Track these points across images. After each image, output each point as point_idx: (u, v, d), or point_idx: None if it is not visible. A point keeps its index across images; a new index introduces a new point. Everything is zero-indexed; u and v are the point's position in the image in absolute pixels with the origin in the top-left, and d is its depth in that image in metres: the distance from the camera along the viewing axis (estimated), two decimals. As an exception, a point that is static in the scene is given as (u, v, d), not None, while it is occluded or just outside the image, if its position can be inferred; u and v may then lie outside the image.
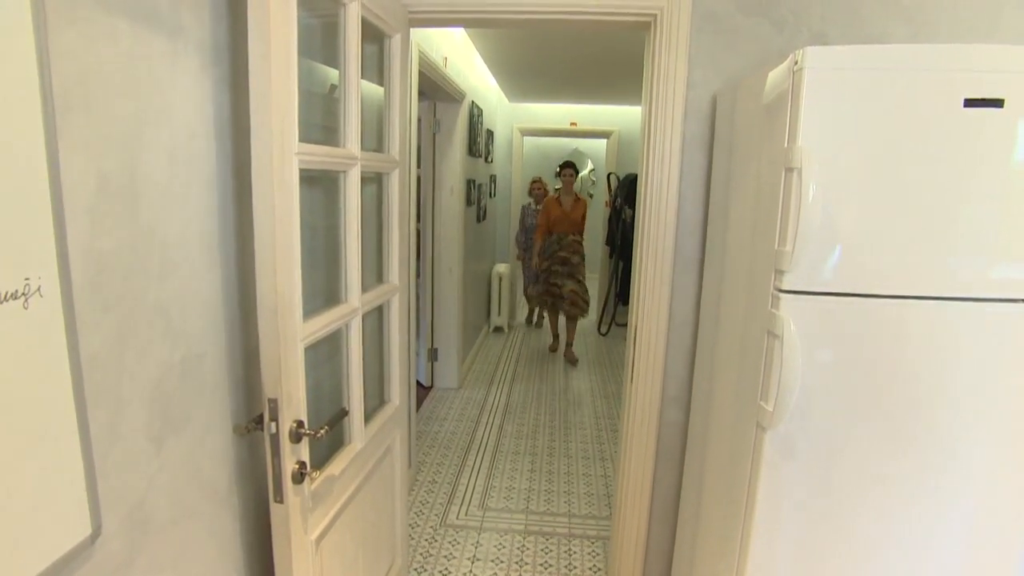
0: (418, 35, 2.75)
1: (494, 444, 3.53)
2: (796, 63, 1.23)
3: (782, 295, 1.26)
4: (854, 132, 1.24)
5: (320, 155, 1.38)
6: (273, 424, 1.23)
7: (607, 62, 4.11)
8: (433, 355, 4.24)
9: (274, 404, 1.22)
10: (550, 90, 5.55)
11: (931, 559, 1.41)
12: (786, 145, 1.25)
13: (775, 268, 1.28)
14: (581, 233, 5.10)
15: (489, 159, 5.25)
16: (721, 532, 1.58)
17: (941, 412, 1.33)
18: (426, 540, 2.59)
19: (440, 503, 2.89)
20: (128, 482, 1.05)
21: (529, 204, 5.76)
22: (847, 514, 1.38)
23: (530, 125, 6.42)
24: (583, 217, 5.11)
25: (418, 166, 3.92)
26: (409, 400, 2.78)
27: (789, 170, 1.24)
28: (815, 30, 1.79)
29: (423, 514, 2.79)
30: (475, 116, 4.43)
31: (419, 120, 3.80)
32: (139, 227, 1.05)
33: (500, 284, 5.70)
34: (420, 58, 2.81)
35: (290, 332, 1.24)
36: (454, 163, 4.04)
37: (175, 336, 1.16)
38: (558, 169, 5.28)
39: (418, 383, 4.22)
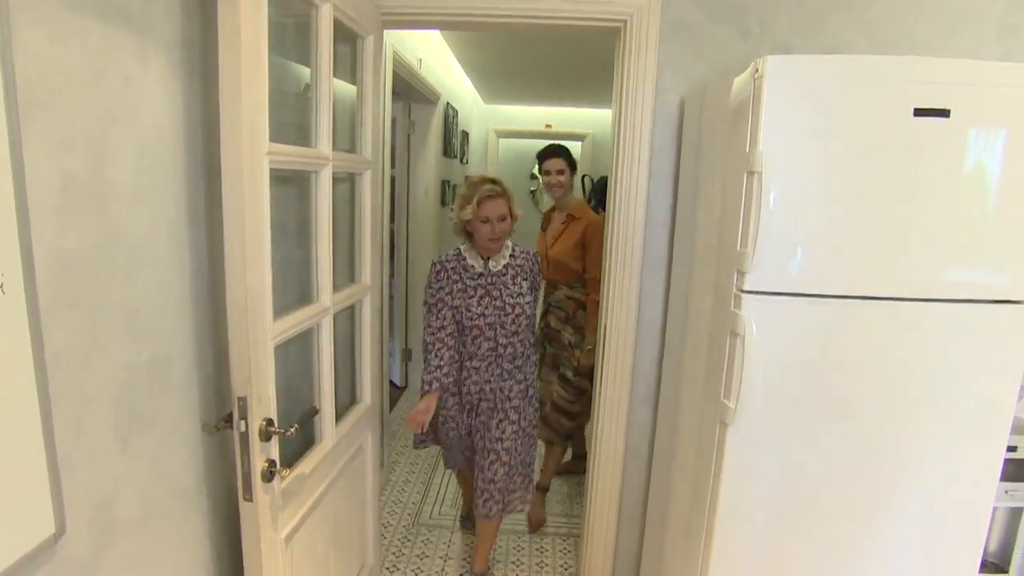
0: (393, 36, 2.75)
1: (468, 444, 3.54)
2: (757, 71, 1.27)
3: (743, 295, 1.31)
4: (813, 138, 1.29)
5: (291, 155, 1.38)
6: (242, 422, 1.23)
7: (582, 65, 4.15)
8: (407, 355, 4.24)
9: (243, 402, 1.22)
10: (525, 92, 5.57)
11: (893, 550, 1.46)
12: (747, 150, 1.30)
13: (737, 269, 1.32)
14: (583, 281, 2.66)
15: (465, 160, 5.26)
16: (687, 528, 1.62)
17: (899, 408, 1.38)
18: (399, 539, 2.59)
19: (413, 502, 2.90)
20: (94, 481, 1.05)
21: (442, 261, 2.13)
22: (809, 508, 1.43)
23: (506, 127, 6.44)
24: (584, 246, 2.63)
25: (392, 166, 3.93)
26: (382, 400, 2.78)
27: (750, 174, 1.28)
28: (780, 39, 1.84)
29: (396, 513, 2.79)
30: (450, 117, 4.44)
31: (394, 121, 3.81)
32: (106, 226, 1.05)
33: (475, 285, 5.70)
34: (395, 59, 2.81)
35: (260, 331, 1.24)
36: (429, 164, 4.05)
37: (143, 335, 1.15)
38: (537, 163, 2.89)
39: (392, 383, 4.21)
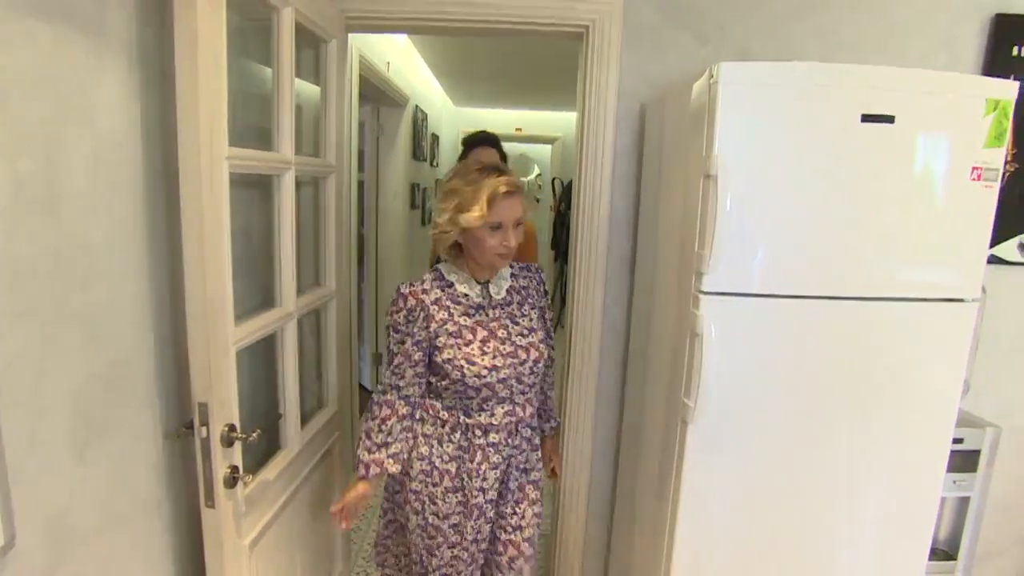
0: (360, 39, 2.75)
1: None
2: (712, 77, 1.31)
3: (702, 296, 1.34)
4: (767, 142, 1.32)
5: (252, 159, 1.37)
6: (204, 429, 1.22)
7: (551, 69, 4.19)
8: (378, 359, 4.22)
9: (204, 408, 1.21)
10: (495, 96, 5.60)
11: (848, 541, 1.51)
12: (704, 154, 1.33)
13: (695, 270, 1.35)
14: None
15: (435, 163, 5.26)
16: (652, 526, 1.65)
17: (853, 403, 1.43)
18: (369, 544, 2.57)
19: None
20: (48, 492, 1.03)
21: (415, 290, 1.44)
22: (769, 503, 1.47)
23: (476, 130, 6.45)
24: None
25: (361, 170, 3.91)
26: (351, 403, 2.77)
27: (707, 177, 1.32)
28: (739, 44, 1.89)
29: (367, 518, 2.77)
30: (419, 120, 4.43)
31: (362, 124, 3.80)
32: (60, 231, 1.03)
33: (447, 288, 5.69)
34: (362, 63, 2.81)
35: (221, 336, 1.23)
36: (398, 167, 4.04)
37: (101, 342, 1.14)
38: (462, 152, 2.46)
39: (363, 387, 4.19)
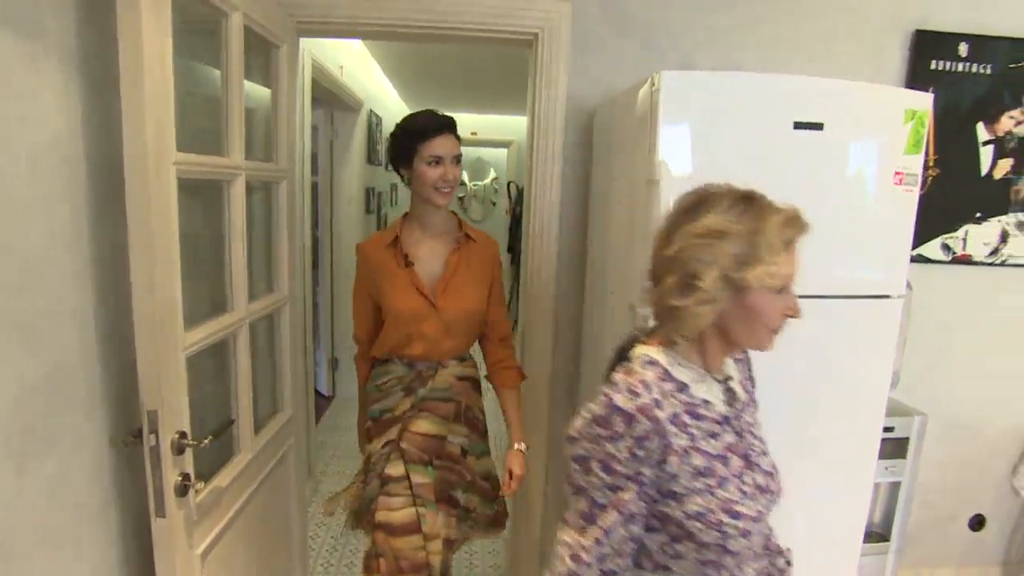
0: (313, 43, 2.73)
1: (397, 451, 3.53)
2: (654, 85, 1.36)
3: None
4: (707, 147, 1.39)
5: (201, 165, 1.37)
6: (153, 436, 1.20)
7: (506, 73, 4.23)
8: (334, 364, 4.18)
9: (154, 416, 1.20)
10: (450, 100, 5.61)
11: (787, 526, 1.58)
12: (647, 158, 1.38)
13: (642, 271, 1.40)
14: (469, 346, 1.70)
15: (390, 167, 5.23)
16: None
17: (792, 397, 1.49)
18: (327, 550, 2.56)
19: (342, 513, 2.86)
20: (-12, 504, 1.00)
21: (644, 406, 0.88)
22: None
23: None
24: (490, 286, 1.66)
25: (315, 174, 3.88)
26: (307, 409, 2.74)
27: (650, 182, 1.37)
28: (684, 52, 1.97)
29: (324, 524, 2.75)
30: (374, 124, 4.42)
31: (316, 128, 3.76)
32: (-2, 237, 1.01)
33: (404, 292, 5.65)
34: (314, 67, 2.79)
35: (171, 342, 1.22)
36: (353, 171, 4.02)
37: (40, 350, 1.11)
38: (407, 144, 1.63)
39: (320, 393, 4.14)
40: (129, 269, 1.16)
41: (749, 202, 0.90)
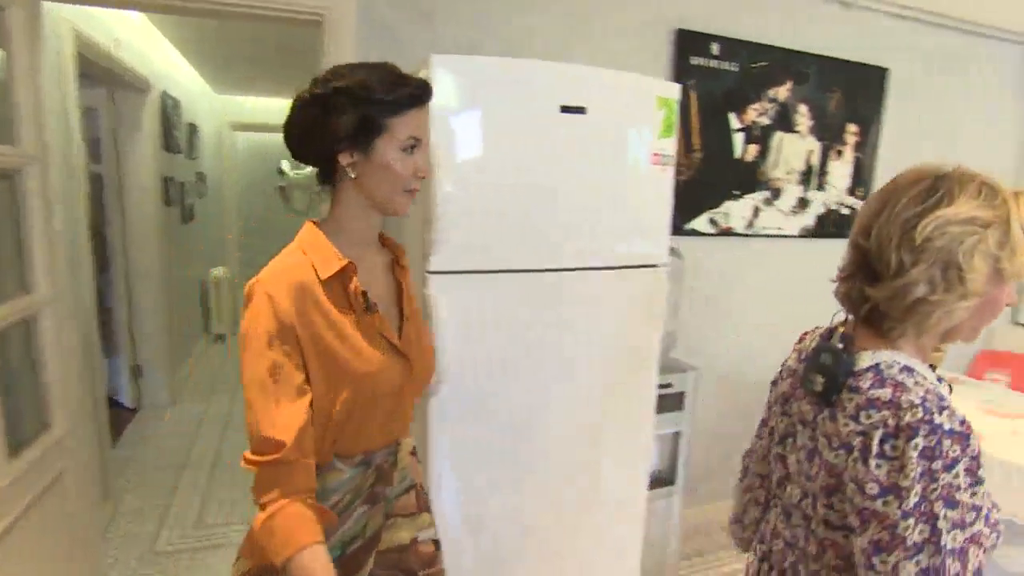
0: (78, 13, 2.40)
1: (213, 457, 3.29)
2: (427, 68, 1.39)
3: (430, 276, 1.43)
4: (482, 130, 1.44)
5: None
6: None
7: (313, 55, 4.06)
8: (137, 372, 3.78)
9: None
10: (259, 82, 5.27)
11: (578, 475, 1.71)
12: (426, 143, 1.41)
13: (423, 253, 1.44)
14: None
15: (194, 155, 4.80)
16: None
17: (576, 361, 1.62)
18: (128, 573, 2.33)
19: (149, 531, 2.62)
20: None
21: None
22: (511, 453, 1.59)
23: (242, 119, 6.03)
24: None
25: (98, 162, 3.46)
26: (96, 422, 2.46)
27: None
28: (473, 39, 2.04)
29: (126, 546, 2.50)
30: (169, 107, 4.02)
31: (94, 110, 3.36)
32: None
33: (219, 289, 5.27)
34: (79, 38, 2.47)
35: None
36: (146, 159, 3.63)
37: None
38: (363, 123, 0.96)
39: (121, 404, 3.74)
40: None
41: (991, 186, 0.79)
